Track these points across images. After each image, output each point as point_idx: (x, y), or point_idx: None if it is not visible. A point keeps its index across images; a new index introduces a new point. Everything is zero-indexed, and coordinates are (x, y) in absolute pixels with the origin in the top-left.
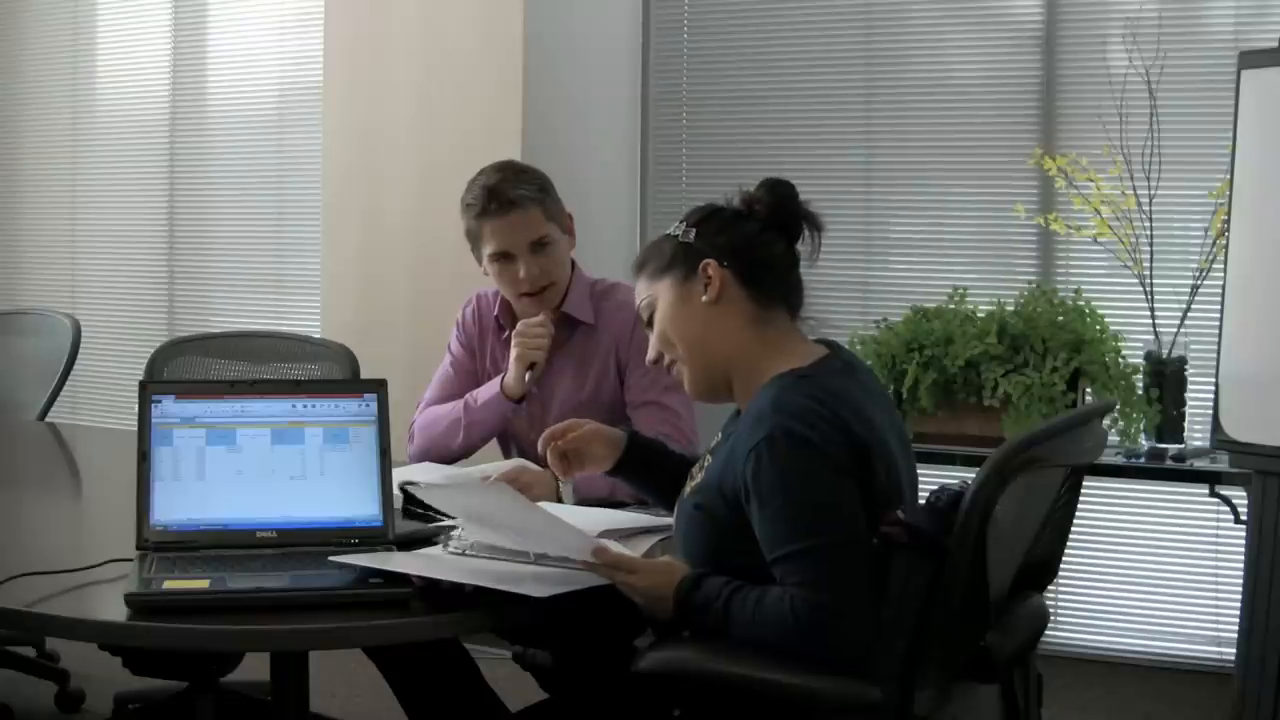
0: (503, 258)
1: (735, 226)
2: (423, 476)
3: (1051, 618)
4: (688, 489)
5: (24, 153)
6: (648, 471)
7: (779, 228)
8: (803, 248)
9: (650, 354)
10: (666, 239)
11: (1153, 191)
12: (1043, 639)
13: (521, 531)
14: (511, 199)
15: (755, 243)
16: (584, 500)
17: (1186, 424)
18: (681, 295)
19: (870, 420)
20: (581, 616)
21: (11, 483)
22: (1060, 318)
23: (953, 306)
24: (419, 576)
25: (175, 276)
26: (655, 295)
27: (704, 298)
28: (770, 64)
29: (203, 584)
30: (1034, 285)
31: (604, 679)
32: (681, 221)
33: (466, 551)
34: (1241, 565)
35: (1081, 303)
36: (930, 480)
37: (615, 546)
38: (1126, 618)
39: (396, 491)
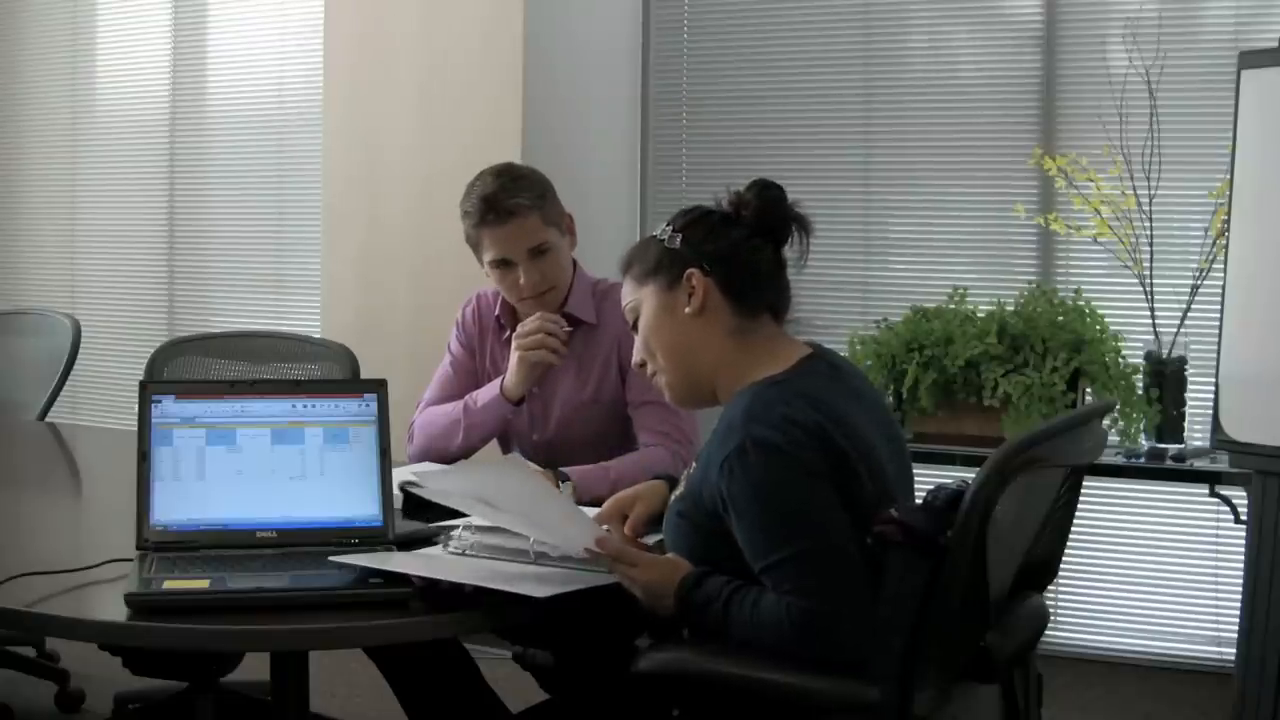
0: (503, 264)
1: (722, 233)
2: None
3: (1051, 618)
4: (673, 495)
5: (24, 153)
6: None
7: (767, 231)
8: (790, 252)
9: (635, 358)
10: (653, 241)
11: (1153, 191)
12: (1043, 639)
13: (528, 515)
14: (509, 208)
15: (741, 250)
16: (584, 500)
17: (1186, 424)
18: (665, 304)
19: (849, 423)
20: (581, 616)
21: (11, 483)
22: (1060, 318)
23: (953, 306)
24: (419, 576)
25: (175, 276)
26: (640, 300)
27: (687, 309)
28: (769, 64)
29: (203, 584)
30: (1034, 285)
31: (604, 679)
32: (668, 224)
33: (466, 551)
34: (1241, 565)
35: (1081, 303)
36: (930, 480)
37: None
38: (1126, 618)
39: (396, 491)
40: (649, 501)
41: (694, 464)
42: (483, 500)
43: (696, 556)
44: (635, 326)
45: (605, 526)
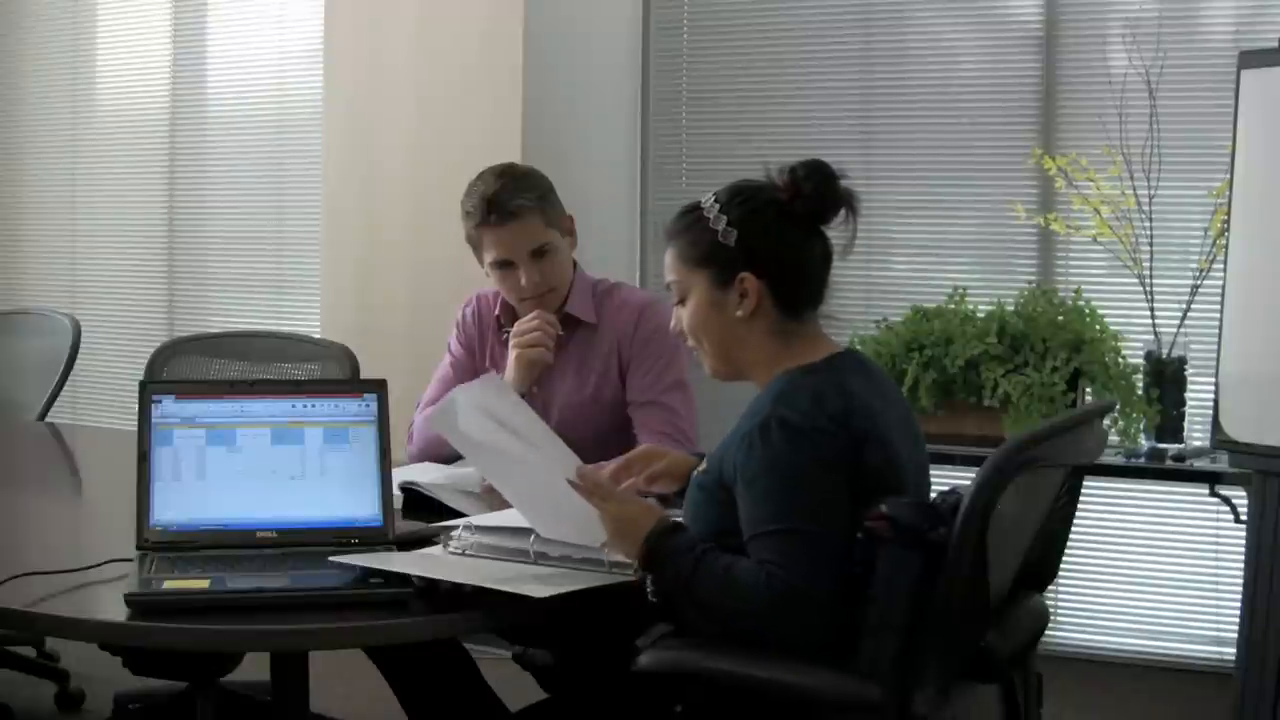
0: (504, 265)
1: (778, 232)
2: (422, 476)
3: (1051, 618)
4: (696, 471)
5: (24, 153)
6: None
7: (820, 221)
8: (834, 236)
9: (674, 324)
10: (702, 224)
11: (1153, 191)
12: (1043, 639)
13: (519, 432)
14: (511, 209)
15: (796, 253)
16: None
17: (1186, 424)
18: (715, 300)
19: (873, 411)
20: (581, 616)
21: (11, 483)
22: (1060, 318)
23: (953, 306)
24: (419, 576)
25: (175, 276)
26: (687, 284)
27: (738, 312)
28: (770, 64)
29: (203, 584)
30: (1034, 285)
31: (604, 679)
32: (718, 203)
33: (466, 551)
34: (1241, 565)
35: (1081, 303)
36: (932, 481)
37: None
38: (1126, 618)
39: (396, 491)
40: (674, 463)
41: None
42: (493, 417)
43: (711, 528)
44: (681, 301)
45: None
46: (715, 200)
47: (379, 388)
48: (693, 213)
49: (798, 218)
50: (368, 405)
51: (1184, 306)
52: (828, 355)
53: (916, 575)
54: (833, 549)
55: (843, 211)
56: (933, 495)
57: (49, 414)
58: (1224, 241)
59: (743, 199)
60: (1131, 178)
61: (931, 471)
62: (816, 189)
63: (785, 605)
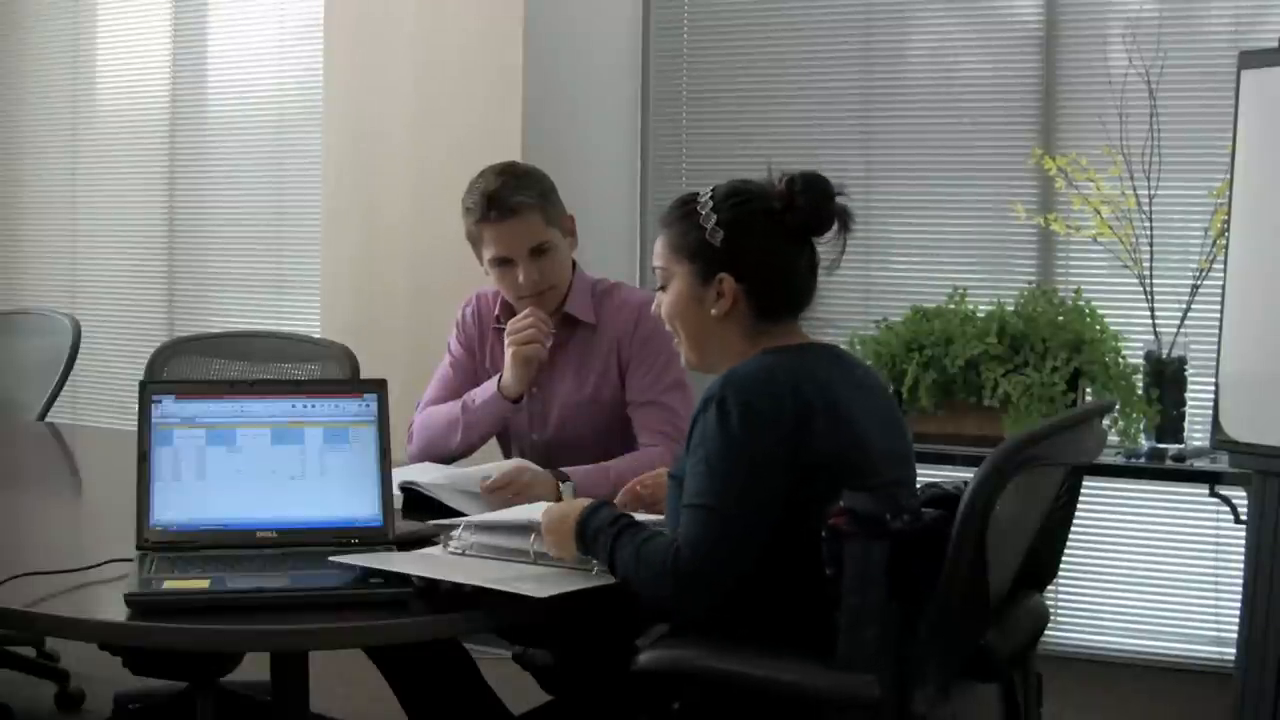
0: (503, 263)
1: (765, 237)
2: (422, 476)
3: (1051, 618)
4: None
5: (24, 153)
6: None
7: (811, 231)
8: (825, 246)
9: (654, 307)
10: (694, 223)
11: (1153, 191)
12: (1043, 639)
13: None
14: (512, 206)
15: (780, 260)
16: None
17: (1186, 424)
18: (695, 294)
19: (831, 390)
20: (581, 616)
21: (11, 483)
22: (1060, 318)
23: (953, 306)
24: (419, 576)
25: (175, 276)
26: (671, 272)
27: (713, 310)
28: (770, 64)
29: (203, 584)
30: (1034, 285)
31: (604, 679)
32: (712, 199)
33: (466, 551)
34: (1241, 565)
35: (1081, 303)
36: (918, 473)
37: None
38: (1126, 618)
39: (396, 491)
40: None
41: None
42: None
43: None
44: (664, 287)
45: None
46: (711, 196)
47: (379, 388)
48: (688, 204)
49: (788, 229)
50: (368, 405)
51: (1184, 306)
52: (798, 344)
53: (884, 566)
54: (751, 531)
55: (835, 226)
56: (918, 487)
57: (49, 414)
58: (1224, 241)
59: (735, 201)
60: (1131, 178)
61: (931, 472)
62: (810, 203)
63: (689, 584)
